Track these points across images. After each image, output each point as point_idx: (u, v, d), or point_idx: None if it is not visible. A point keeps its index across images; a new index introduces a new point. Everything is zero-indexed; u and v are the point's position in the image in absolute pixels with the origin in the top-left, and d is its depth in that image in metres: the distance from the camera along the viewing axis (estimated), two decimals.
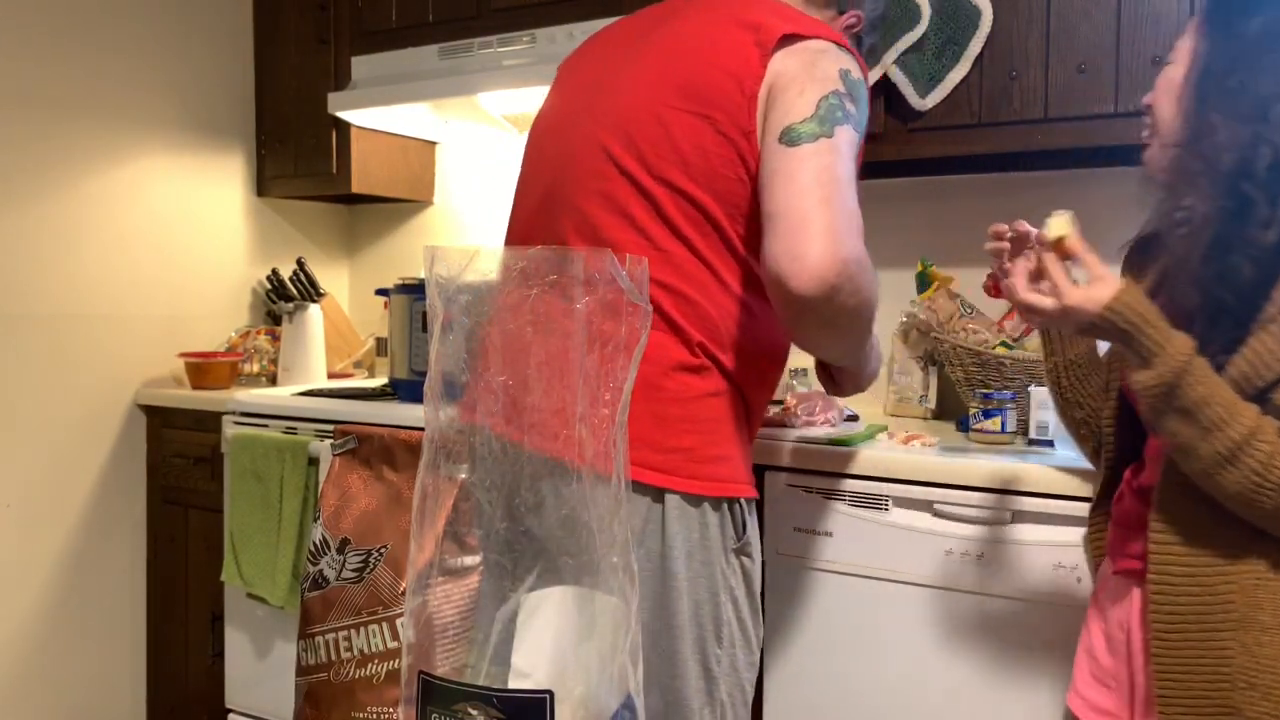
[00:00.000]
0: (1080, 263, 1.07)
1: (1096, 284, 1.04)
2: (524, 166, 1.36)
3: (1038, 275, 1.10)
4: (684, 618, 1.20)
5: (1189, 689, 1.02)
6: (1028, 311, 1.10)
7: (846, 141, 1.13)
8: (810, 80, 1.15)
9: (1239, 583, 1.00)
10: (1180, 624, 1.03)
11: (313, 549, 1.43)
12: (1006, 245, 1.20)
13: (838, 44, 1.21)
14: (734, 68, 1.17)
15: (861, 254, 1.10)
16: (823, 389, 1.47)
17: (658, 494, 1.18)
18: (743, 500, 1.25)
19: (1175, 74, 1.12)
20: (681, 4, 1.30)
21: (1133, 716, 1.16)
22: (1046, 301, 1.07)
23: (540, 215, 1.29)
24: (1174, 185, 1.09)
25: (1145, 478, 1.16)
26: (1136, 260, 1.24)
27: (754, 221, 1.18)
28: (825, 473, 1.57)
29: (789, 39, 1.18)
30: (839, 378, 1.41)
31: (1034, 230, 1.14)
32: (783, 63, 1.17)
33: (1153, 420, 1.03)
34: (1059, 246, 1.08)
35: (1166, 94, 1.13)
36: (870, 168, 2.01)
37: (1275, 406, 0.98)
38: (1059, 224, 1.08)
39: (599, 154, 1.22)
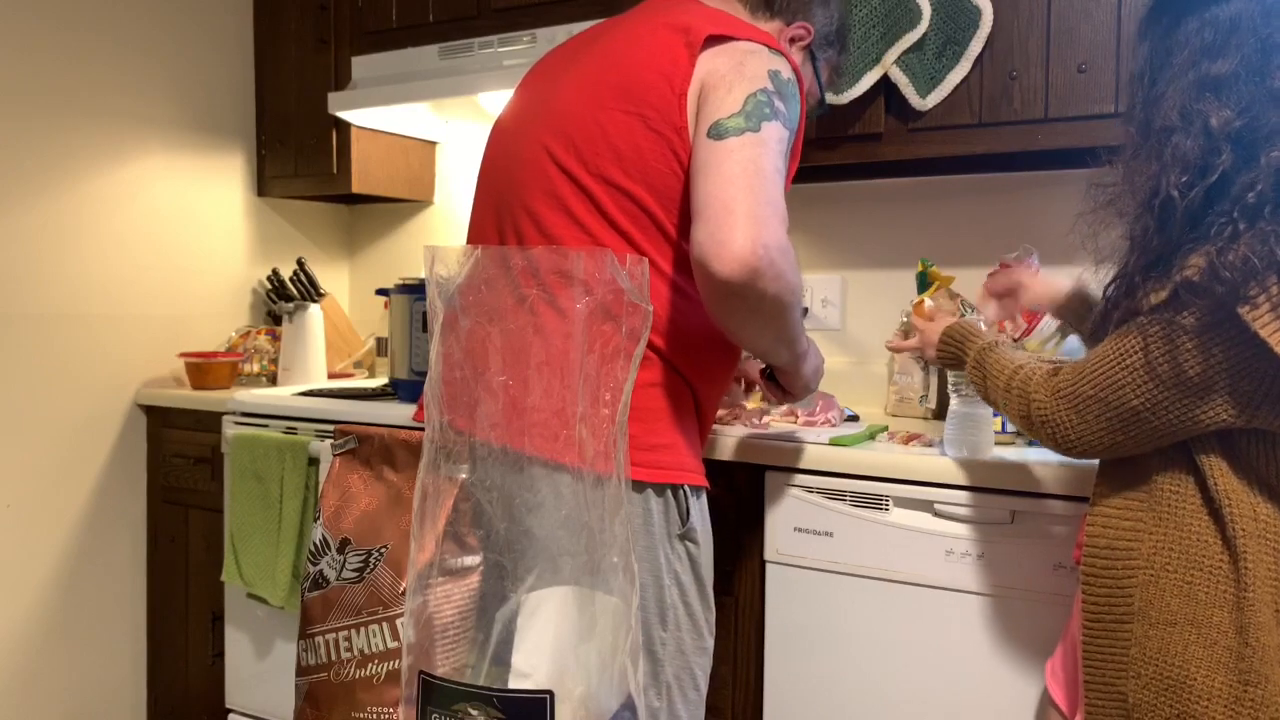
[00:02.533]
0: (932, 315, 1.50)
1: (939, 321, 1.41)
2: (481, 170, 1.42)
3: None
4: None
5: (1103, 674, 1.09)
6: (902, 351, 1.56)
7: (774, 138, 1.18)
8: (739, 78, 1.20)
9: (1139, 577, 1.06)
10: (1100, 613, 1.09)
11: (313, 549, 1.43)
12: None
13: (769, 46, 1.27)
14: (664, 67, 1.23)
15: (783, 241, 1.15)
16: (778, 401, 1.54)
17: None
18: (687, 487, 1.28)
19: None
20: (622, 16, 1.38)
21: (1074, 702, 1.21)
22: (911, 342, 1.47)
23: (496, 214, 1.35)
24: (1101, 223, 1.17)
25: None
26: None
27: (687, 214, 1.22)
28: (825, 473, 1.57)
29: (716, 39, 1.24)
30: (784, 382, 1.46)
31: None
32: (712, 62, 1.23)
33: (982, 395, 1.27)
34: (918, 309, 1.55)
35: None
36: (870, 168, 2.02)
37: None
38: (919, 298, 1.64)
39: (543, 155, 1.28)
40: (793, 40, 1.43)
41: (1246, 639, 0.99)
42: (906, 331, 2.03)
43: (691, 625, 1.30)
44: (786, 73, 1.26)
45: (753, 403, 1.89)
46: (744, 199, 1.12)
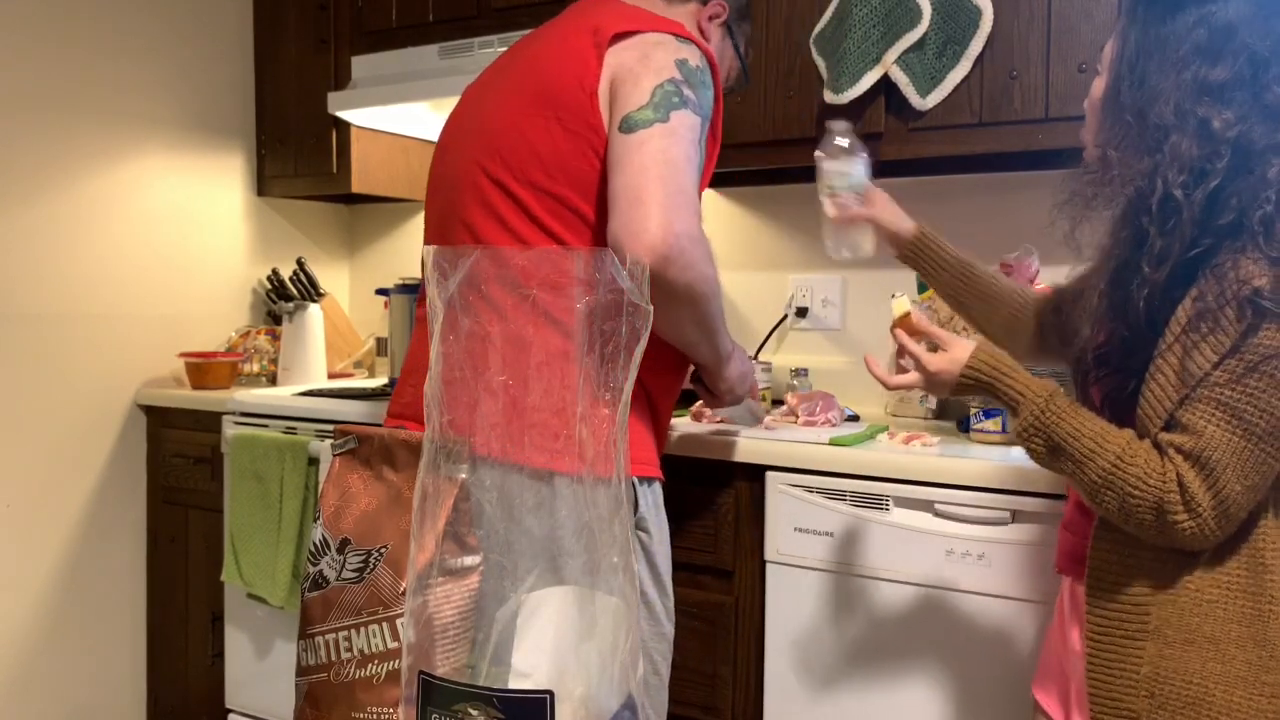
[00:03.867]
0: (928, 336, 1.18)
1: (952, 348, 1.15)
2: (427, 186, 1.45)
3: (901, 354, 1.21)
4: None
5: (1110, 691, 1.05)
6: (899, 390, 1.22)
7: (684, 125, 1.21)
8: (645, 70, 1.23)
9: (1156, 596, 1.03)
10: (1108, 627, 1.06)
11: (313, 549, 1.43)
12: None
13: (677, 35, 1.29)
14: (575, 69, 1.26)
15: (695, 229, 1.17)
16: (707, 405, 1.55)
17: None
18: (636, 478, 1.29)
19: (1096, 89, 1.12)
20: (546, 25, 1.41)
21: (1068, 711, 1.19)
22: (912, 377, 1.18)
23: (440, 230, 1.38)
24: (1086, 210, 1.10)
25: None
26: None
27: None
28: (825, 473, 1.57)
29: (623, 35, 1.27)
30: (709, 382, 1.47)
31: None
32: (618, 57, 1.25)
33: (1042, 463, 1.08)
34: (905, 323, 1.21)
35: (1090, 107, 1.13)
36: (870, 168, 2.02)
37: (1167, 440, 1.00)
38: (899, 304, 1.23)
39: (475, 168, 1.31)
40: (712, 18, 1.46)
41: (1274, 652, 0.97)
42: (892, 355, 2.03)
43: (648, 614, 1.31)
44: (695, 60, 1.28)
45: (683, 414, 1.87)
46: (654, 189, 1.15)
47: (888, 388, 1.22)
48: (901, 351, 1.21)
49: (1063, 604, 1.23)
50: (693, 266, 1.17)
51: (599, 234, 1.26)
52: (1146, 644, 1.03)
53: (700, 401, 1.74)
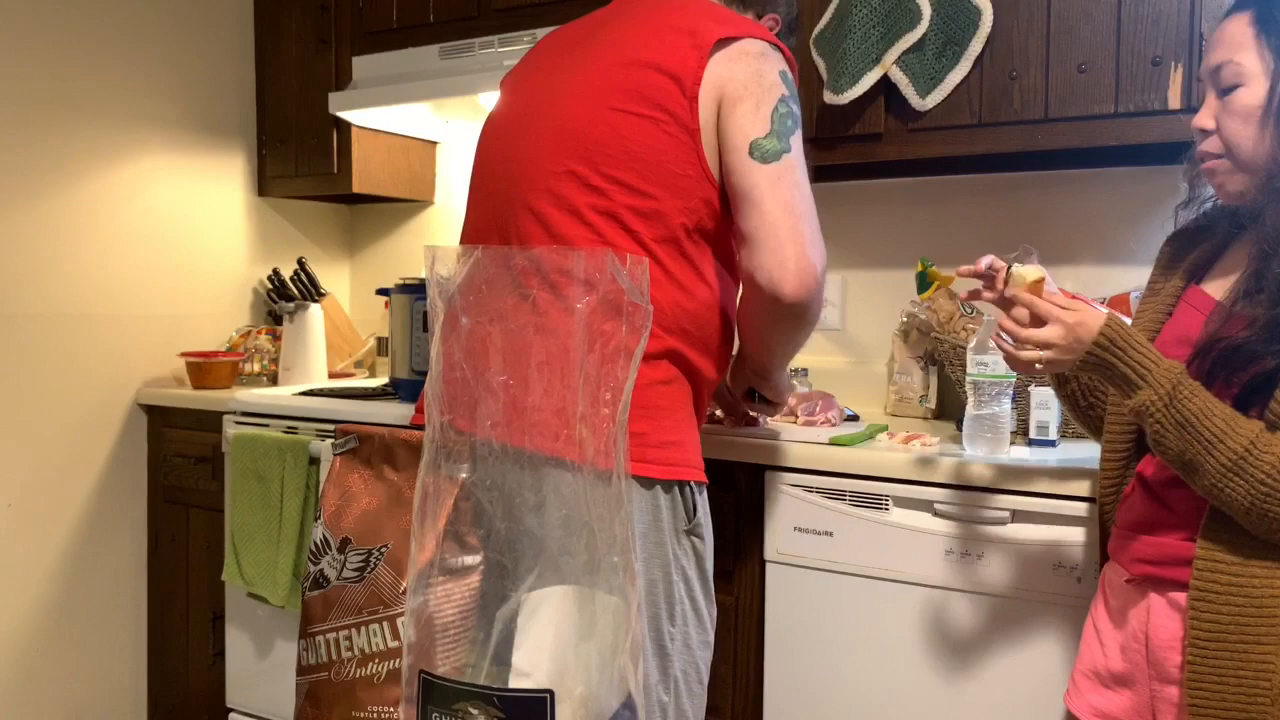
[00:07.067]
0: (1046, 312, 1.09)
1: (1081, 312, 1.07)
2: (476, 169, 1.42)
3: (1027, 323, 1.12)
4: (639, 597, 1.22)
5: (1222, 699, 1.01)
6: (1026, 364, 1.11)
7: (799, 147, 1.28)
8: (762, 91, 1.26)
9: None
10: (1219, 633, 1.01)
11: (313, 548, 1.43)
12: (980, 280, 1.25)
13: (770, 43, 1.31)
14: (675, 70, 1.26)
15: (825, 257, 1.27)
16: (764, 415, 1.67)
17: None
18: (693, 483, 1.30)
19: (1250, 98, 1.07)
20: (614, 12, 1.39)
21: (1122, 713, 1.15)
22: (1044, 354, 1.09)
23: (497, 214, 1.35)
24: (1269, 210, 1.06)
25: (1156, 476, 1.14)
26: (1175, 252, 1.25)
27: (702, 216, 1.27)
28: (825, 472, 1.57)
29: (725, 41, 1.27)
30: (770, 395, 1.57)
31: (1002, 267, 1.20)
32: (727, 68, 1.26)
33: (1157, 440, 1.04)
34: (1036, 288, 1.13)
35: (1242, 118, 1.09)
36: (870, 168, 2.02)
37: None
38: (1028, 270, 1.15)
39: (548, 155, 1.29)
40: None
41: None
42: (907, 332, 2.03)
43: (697, 620, 1.31)
44: (789, 71, 1.30)
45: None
46: (799, 226, 1.22)
47: (1017, 363, 1.12)
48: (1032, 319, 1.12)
49: (1106, 612, 1.19)
50: (822, 293, 1.26)
51: (677, 238, 1.27)
52: (1275, 648, 0.98)
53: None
